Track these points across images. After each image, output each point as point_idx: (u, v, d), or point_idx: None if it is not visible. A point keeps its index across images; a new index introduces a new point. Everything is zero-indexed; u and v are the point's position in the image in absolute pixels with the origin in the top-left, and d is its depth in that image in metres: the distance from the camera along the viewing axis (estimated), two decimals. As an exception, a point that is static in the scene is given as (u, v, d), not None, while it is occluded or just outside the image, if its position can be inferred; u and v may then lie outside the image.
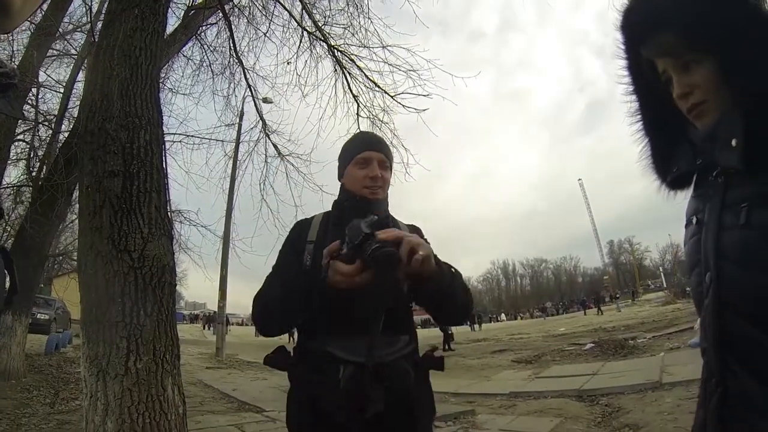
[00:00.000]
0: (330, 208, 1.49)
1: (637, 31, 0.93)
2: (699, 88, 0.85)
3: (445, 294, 1.22)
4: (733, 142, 0.78)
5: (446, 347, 14.20)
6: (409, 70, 6.14)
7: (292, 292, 1.24)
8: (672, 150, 0.97)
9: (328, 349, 1.19)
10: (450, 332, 15.18)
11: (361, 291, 1.12)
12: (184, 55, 6.85)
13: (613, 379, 6.40)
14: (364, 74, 6.57)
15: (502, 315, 67.61)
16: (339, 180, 1.51)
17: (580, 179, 73.96)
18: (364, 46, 6.37)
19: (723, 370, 0.82)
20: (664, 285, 52.83)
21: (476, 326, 31.69)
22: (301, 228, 1.44)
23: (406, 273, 1.10)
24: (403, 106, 6.36)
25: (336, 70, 6.72)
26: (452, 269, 1.26)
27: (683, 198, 1.03)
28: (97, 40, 3.42)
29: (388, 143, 1.57)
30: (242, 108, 8.40)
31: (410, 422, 1.25)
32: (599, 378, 6.75)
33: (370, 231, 1.12)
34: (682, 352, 8.02)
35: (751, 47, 0.79)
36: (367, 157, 1.43)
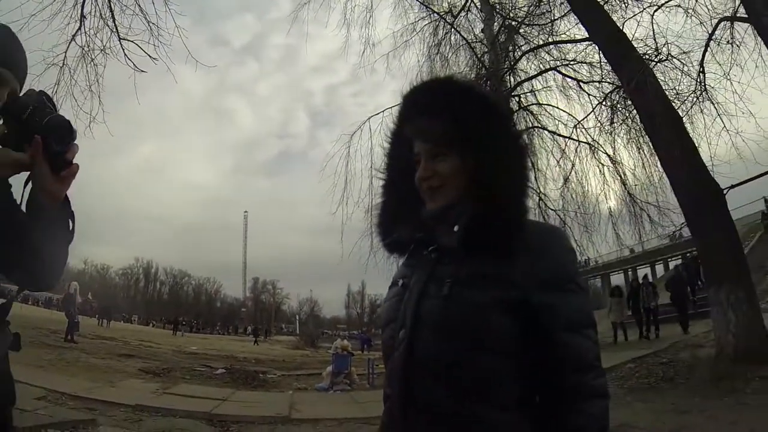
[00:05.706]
0: None
1: (412, 111, 1.04)
2: (439, 176, 0.98)
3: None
4: (455, 228, 0.93)
5: (68, 338, 11.65)
6: None
7: None
8: (401, 217, 1.07)
9: None
10: (76, 320, 12.63)
11: None
12: None
13: (244, 407, 6.70)
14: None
15: (135, 317, 60.68)
16: None
17: (246, 211, 76.65)
18: None
19: (404, 421, 0.90)
20: (298, 331, 59.28)
21: (105, 321, 27.40)
22: None
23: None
24: None
25: None
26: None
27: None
28: None
29: None
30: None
31: None
32: (230, 404, 6.92)
33: (38, 103, 0.95)
34: (309, 393, 9.24)
35: (490, 152, 0.95)
36: None
